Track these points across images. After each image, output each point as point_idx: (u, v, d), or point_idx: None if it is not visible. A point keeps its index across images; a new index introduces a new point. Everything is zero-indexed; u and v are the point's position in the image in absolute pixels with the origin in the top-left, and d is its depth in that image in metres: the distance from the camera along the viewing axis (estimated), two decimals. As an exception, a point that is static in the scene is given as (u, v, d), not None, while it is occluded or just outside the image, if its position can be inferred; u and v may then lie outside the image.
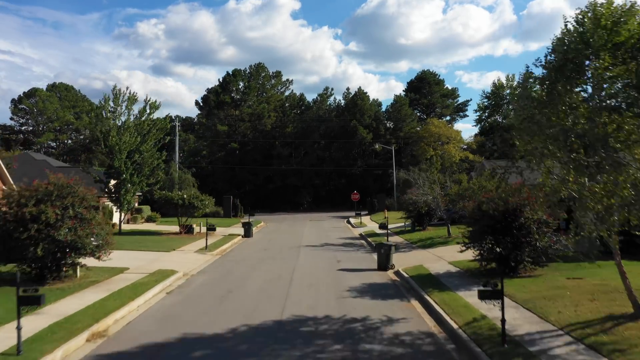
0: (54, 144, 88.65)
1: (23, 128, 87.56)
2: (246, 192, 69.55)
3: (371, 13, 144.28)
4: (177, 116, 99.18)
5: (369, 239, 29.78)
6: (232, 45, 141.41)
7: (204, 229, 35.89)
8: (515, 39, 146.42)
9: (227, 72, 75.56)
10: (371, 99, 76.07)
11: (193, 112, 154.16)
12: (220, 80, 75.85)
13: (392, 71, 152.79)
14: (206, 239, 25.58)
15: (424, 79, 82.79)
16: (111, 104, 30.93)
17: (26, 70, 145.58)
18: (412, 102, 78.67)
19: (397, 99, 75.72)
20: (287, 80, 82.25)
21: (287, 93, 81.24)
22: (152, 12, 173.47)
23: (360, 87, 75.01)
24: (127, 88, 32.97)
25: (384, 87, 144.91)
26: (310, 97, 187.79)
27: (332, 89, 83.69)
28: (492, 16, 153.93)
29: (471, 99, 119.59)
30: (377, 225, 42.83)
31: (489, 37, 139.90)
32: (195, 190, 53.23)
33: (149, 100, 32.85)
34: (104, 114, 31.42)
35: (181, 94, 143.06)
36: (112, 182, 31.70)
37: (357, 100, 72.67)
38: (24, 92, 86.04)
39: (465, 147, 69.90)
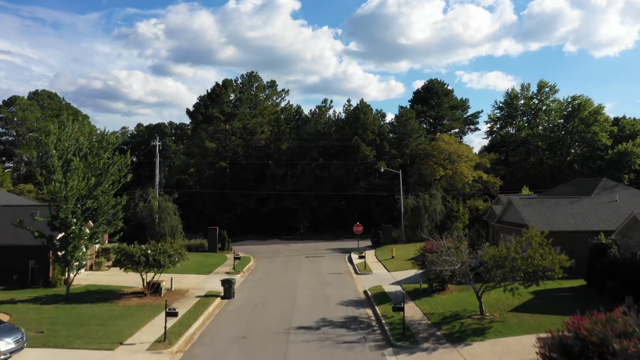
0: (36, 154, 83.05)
1: (3, 138, 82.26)
2: (237, 215, 63.09)
3: (371, 13, 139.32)
4: (170, 122, 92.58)
5: (377, 310, 23.69)
6: (232, 45, 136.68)
7: (175, 283, 29.81)
8: (515, 39, 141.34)
9: (217, 82, 68.89)
10: (374, 111, 69.64)
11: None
12: (209, 91, 69.20)
13: (392, 71, 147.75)
14: (165, 328, 19.41)
15: (431, 88, 76.27)
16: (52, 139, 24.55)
17: (26, 70, 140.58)
18: (419, 114, 72.35)
19: (403, 112, 68.85)
20: (283, 90, 75.86)
21: (282, 104, 74.69)
22: (152, 12, 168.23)
23: (362, 99, 68.42)
24: (85, 117, 26.87)
25: (384, 87, 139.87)
26: (309, 97, 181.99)
27: (331, 101, 77.49)
28: (492, 16, 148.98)
29: (482, 110, 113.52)
30: (385, 271, 36.74)
31: (490, 37, 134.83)
32: (176, 220, 47.14)
33: (106, 133, 26.70)
34: (51, 148, 25.09)
35: (181, 94, 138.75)
36: (59, 235, 25.56)
37: (359, 114, 66.10)
38: (3, 101, 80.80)
39: (476, 164, 63.00)
